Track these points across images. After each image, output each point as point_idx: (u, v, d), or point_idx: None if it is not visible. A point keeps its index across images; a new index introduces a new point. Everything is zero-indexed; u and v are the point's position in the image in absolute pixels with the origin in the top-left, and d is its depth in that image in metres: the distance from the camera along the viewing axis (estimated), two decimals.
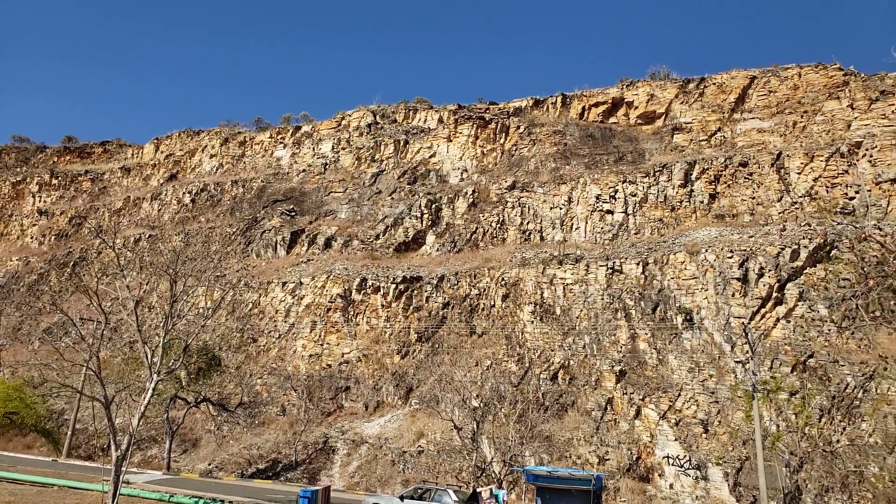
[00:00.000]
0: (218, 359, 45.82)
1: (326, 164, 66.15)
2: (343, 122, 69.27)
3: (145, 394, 28.07)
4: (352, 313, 49.29)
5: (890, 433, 32.81)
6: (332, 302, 49.69)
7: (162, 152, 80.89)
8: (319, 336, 48.66)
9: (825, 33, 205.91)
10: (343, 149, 66.48)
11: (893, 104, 48.14)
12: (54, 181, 79.76)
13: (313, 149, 68.44)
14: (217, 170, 73.70)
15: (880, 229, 36.48)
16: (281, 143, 71.78)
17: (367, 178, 62.34)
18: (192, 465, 41.17)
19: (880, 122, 47.77)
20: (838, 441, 33.00)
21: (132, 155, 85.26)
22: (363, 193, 61.09)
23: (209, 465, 40.60)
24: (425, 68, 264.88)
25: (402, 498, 26.33)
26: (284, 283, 52.68)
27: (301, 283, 51.90)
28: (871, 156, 45.53)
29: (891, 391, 34.09)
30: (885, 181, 44.42)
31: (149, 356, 28.44)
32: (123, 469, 26.52)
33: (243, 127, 77.73)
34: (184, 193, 69.42)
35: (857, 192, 44.47)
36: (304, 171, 66.75)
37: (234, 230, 61.91)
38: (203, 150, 76.87)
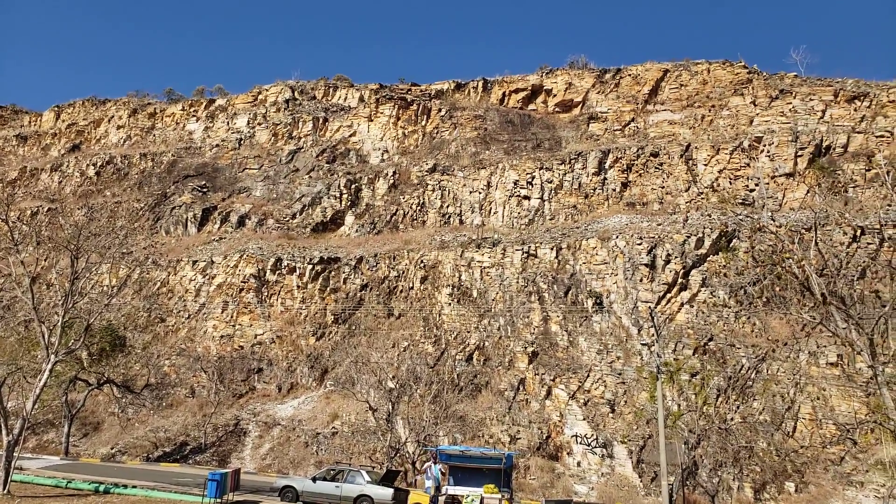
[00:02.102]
0: (123, 339, 43.60)
1: (241, 139, 63.84)
2: (260, 97, 66.99)
3: (41, 375, 26.60)
4: (265, 294, 48.08)
5: (777, 411, 35.29)
6: (245, 282, 48.28)
7: (63, 121, 75.71)
8: (231, 317, 47.24)
9: (733, 30, 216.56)
10: (259, 124, 64.33)
11: (791, 103, 51.24)
12: None
13: (228, 123, 65.87)
14: (124, 142, 69.78)
15: (774, 220, 38.86)
16: (194, 116, 68.66)
17: (283, 156, 60.69)
18: (94, 450, 39.26)
19: (779, 120, 50.77)
20: (732, 419, 35.18)
21: (29, 122, 79.40)
22: (279, 171, 59.45)
23: (112, 449, 38.82)
24: (346, 46, 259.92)
25: (314, 479, 26.08)
26: (195, 262, 50.72)
27: (213, 262, 50.12)
28: (769, 151, 48.35)
29: (779, 372, 36.62)
30: (781, 175, 47.36)
31: (46, 336, 26.94)
32: (16, 455, 25.07)
33: (153, 98, 73.85)
34: (87, 165, 65.33)
35: (756, 185, 47.18)
36: (217, 145, 64.18)
37: (142, 205, 58.96)
38: (109, 121, 72.53)
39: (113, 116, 72.51)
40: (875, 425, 30.52)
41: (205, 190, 59.33)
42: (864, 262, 39.42)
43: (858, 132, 47.83)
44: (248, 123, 64.77)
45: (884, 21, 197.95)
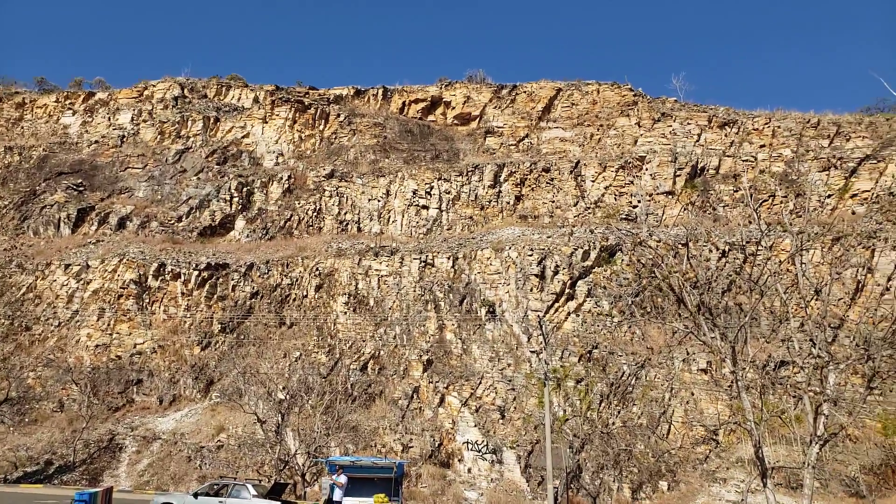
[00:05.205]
0: None
1: (124, 136, 60.06)
2: (146, 93, 63.33)
3: None
4: (147, 301, 45.43)
5: (654, 415, 37.51)
6: (124, 288, 45.39)
7: None
8: (108, 325, 44.22)
9: (621, 53, 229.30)
10: (144, 121, 60.81)
11: (671, 126, 54.93)
12: None
13: (109, 119, 61.76)
14: None
15: (653, 235, 41.45)
16: (69, 109, 63.82)
17: (170, 155, 57.68)
18: None
19: (660, 141, 54.27)
20: (613, 423, 37.02)
21: None
22: (165, 171, 56.46)
23: None
24: (241, 44, 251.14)
25: (195, 495, 24.80)
26: (68, 266, 47.09)
27: (88, 266, 46.74)
28: (651, 170, 51.56)
29: (657, 378, 38.97)
30: (661, 193, 50.61)
31: None
32: None
33: (22, 87, 67.99)
34: None
35: (638, 202, 50.14)
36: (96, 142, 60.04)
37: (7, 203, 54.08)
38: None
39: None
40: (736, 426, 33.17)
41: (81, 189, 55.34)
42: (730, 276, 42.85)
43: (728, 156, 52.01)
44: (132, 120, 61.09)
45: (751, 55, 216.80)
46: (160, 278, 46.03)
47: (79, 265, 46.93)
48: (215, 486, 25.31)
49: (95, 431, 37.91)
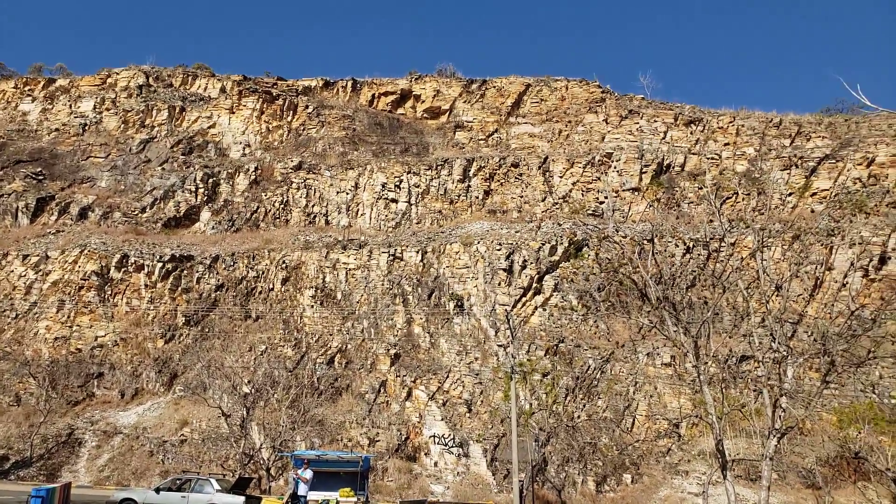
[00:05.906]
0: None
1: (86, 124, 58.50)
2: (109, 81, 61.74)
3: None
4: (109, 293, 44.44)
5: (618, 409, 38.05)
6: (85, 279, 44.34)
7: None
8: (68, 317, 43.16)
9: (589, 50, 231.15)
10: (108, 110, 59.28)
11: (638, 123, 55.58)
12: None
13: (70, 106, 60.07)
14: None
15: (619, 231, 41.96)
16: (29, 95, 61.91)
17: (134, 145, 56.40)
18: None
19: (627, 138, 54.88)
20: (579, 417, 37.45)
21: None
22: (129, 161, 55.18)
23: None
24: (207, 33, 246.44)
25: (157, 490, 24.47)
26: (26, 256, 45.78)
27: (47, 257, 45.51)
28: (618, 167, 52.13)
29: (621, 372, 39.52)
30: (628, 190, 51.23)
31: None
32: None
33: None
34: None
35: (605, 198, 50.67)
36: (57, 130, 58.40)
37: None
38: None
39: None
40: (698, 419, 33.87)
41: (40, 177, 53.79)
42: (694, 271, 43.61)
43: (693, 153, 52.85)
44: (95, 108, 59.54)
45: (717, 54, 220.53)
46: (123, 270, 45.06)
47: (38, 256, 45.68)
48: (178, 481, 25.00)
49: (54, 426, 37.04)
